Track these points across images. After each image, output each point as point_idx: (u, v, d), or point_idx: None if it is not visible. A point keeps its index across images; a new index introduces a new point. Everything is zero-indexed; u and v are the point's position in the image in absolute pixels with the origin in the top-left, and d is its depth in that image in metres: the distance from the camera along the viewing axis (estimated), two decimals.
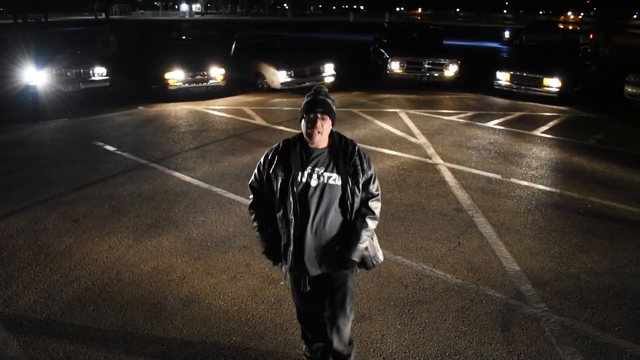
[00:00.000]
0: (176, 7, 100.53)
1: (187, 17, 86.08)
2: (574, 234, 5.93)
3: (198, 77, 13.69)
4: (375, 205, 3.09)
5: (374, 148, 9.11)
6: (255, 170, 3.13)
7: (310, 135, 2.92)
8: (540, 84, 13.70)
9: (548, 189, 7.38)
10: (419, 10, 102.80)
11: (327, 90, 3.07)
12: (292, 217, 2.92)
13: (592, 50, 18.81)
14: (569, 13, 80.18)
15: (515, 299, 4.62)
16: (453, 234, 5.82)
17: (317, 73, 14.93)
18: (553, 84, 13.49)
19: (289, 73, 14.17)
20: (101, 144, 9.30)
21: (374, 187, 3.08)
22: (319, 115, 2.90)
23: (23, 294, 4.62)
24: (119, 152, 8.78)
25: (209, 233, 5.82)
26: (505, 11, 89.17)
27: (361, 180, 2.98)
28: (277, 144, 3.06)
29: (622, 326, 4.26)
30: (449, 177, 7.69)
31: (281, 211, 2.95)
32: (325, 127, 2.93)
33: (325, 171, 2.93)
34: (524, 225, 6.15)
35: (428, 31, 18.91)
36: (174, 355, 3.85)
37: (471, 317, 4.32)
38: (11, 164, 8.22)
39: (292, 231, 2.94)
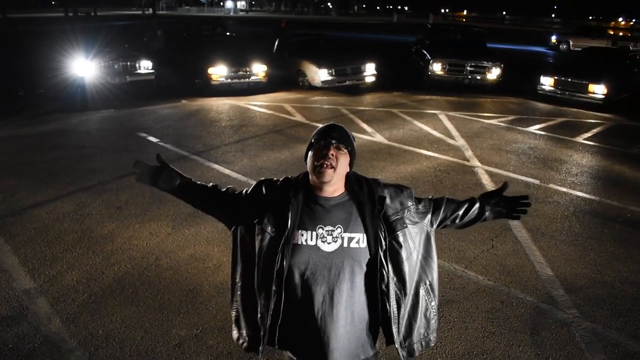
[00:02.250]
0: (221, 4, 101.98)
1: (231, 14, 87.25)
2: (610, 242, 5.84)
3: (240, 73, 13.93)
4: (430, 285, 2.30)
5: (411, 148, 9.12)
6: (243, 192, 2.31)
7: (320, 172, 2.02)
8: (585, 90, 13.41)
9: (587, 196, 7.26)
10: (464, 12, 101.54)
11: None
12: (276, 296, 2.07)
13: None
14: (620, 19, 77.81)
15: (547, 303, 4.59)
16: (487, 237, 5.81)
17: (358, 72, 14.98)
18: (598, 90, 13.19)
19: (330, 71, 14.27)
20: (144, 135, 9.60)
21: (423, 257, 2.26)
22: (333, 142, 2.07)
23: (67, 274, 4.85)
24: (161, 144, 9.04)
25: None
26: (553, 15, 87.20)
27: (401, 242, 2.13)
28: (274, 180, 2.23)
29: None
30: (486, 180, 7.65)
31: (261, 281, 2.13)
32: (340, 163, 2.06)
33: (345, 230, 2.06)
34: (559, 231, 6.08)
35: (471, 33, 18.71)
36: (208, 339, 3.99)
37: (501, 319, 4.33)
38: (59, 151, 8.57)
39: (273, 312, 2.10)
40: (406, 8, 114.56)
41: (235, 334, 2.32)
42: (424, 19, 61.33)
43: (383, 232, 2.08)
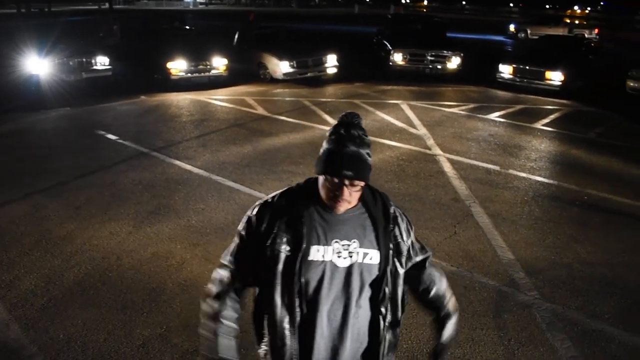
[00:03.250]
0: None
1: (191, 7, 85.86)
2: (569, 225, 5.99)
3: (200, 67, 13.73)
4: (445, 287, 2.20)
5: (374, 139, 9.16)
6: (239, 236, 2.03)
7: (333, 208, 1.87)
8: (543, 78, 13.70)
9: (546, 180, 7.43)
10: (425, 2, 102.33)
11: (361, 120, 2.02)
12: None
13: (596, 44, 18.80)
14: (576, 7, 79.73)
15: (508, 286, 4.69)
16: (449, 223, 5.89)
17: (320, 64, 14.95)
18: (555, 77, 13.49)
19: (292, 63, 14.19)
20: (103, 132, 9.38)
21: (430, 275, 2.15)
22: (347, 182, 1.81)
23: (24, 278, 4.71)
24: (120, 141, 8.85)
25: (208, 220, 5.90)
26: (511, 5, 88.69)
27: (404, 258, 2.01)
28: (271, 197, 1.99)
29: (612, 314, 4.33)
30: (447, 167, 7.75)
31: (283, 303, 1.92)
32: (354, 195, 1.86)
33: (361, 245, 1.91)
34: (520, 215, 6.21)
35: (432, 23, 18.87)
36: (173, 337, 3.94)
37: (464, 304, 4.40)
38: (14, 152, 8.30)
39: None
40: None
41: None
42: (385, 10, 61.61)
43: (392, 250, 1.95)
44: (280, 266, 1.88)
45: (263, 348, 2.10)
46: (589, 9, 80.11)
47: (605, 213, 6.38)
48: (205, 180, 7.11)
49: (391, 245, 1.95)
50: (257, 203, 1.99)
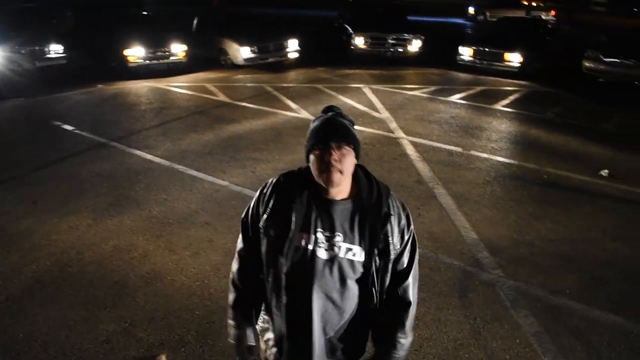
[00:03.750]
0: None
1: None
2: (530, 203, 6.12)
3: (159, 53, 13.40)
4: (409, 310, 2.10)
5: None
6: (248, 211, 2.13)
7: (327, 181, 1.87)
8: (502, 59, 13.87)
9: (507, 160, 7.56)
10: None
11: (341, 110, 2.05)
12: (285, 297, 1.98)
13: (553, 26, 19.13)
14: None
15: (473, 266, 4.76)
16: (413, 205, 5.93)
17: (281, 49, 14.79)
18: (514, 59, 13.68)
19: (253, 49, 13.99)
20: (59, 123, 9.07)
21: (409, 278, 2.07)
22: (333, 146, 1.87)
23: None
24: (77, 132, 8.59)
25: (171, 210, 5.80)
26: None
27: (391, 261, 1.99)
28: (275, 180, 2.05)
29: (573, 289, 4.45)
30: (410, 150, 7.80)
31: (270, 283, 2.02)
32: (346, 164, 1.89)
33: (344, 239, 1.92)
34: (482, 195, 6.31)
35: (392, 7, 18.83)
36: (138, 331, 3.86)
37: (430, 285, 4.45)
38: None
39: (285, 316, 2.01)
40: None
41: (262, 345, 2.21)
42: None
43: (380, 249, 1.93)
44: (268, 248, 1.97)
45: (260, 324, 2.21)
46: None
47: (565, 190, 6.54)
48: (166, 170, 6.97)
49: (380, 246, 1.92)
50: (266, 183, 2.06)
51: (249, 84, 12.64)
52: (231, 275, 2.21)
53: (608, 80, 13.33)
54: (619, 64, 12.88)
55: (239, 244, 2.19)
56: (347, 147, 1.89)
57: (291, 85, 12.63)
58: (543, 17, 24.27)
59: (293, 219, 1.89)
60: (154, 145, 7.91)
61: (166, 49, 13.49)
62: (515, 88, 12.66)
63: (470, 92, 12.12)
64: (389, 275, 1.99)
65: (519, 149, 8.12)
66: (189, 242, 5.12)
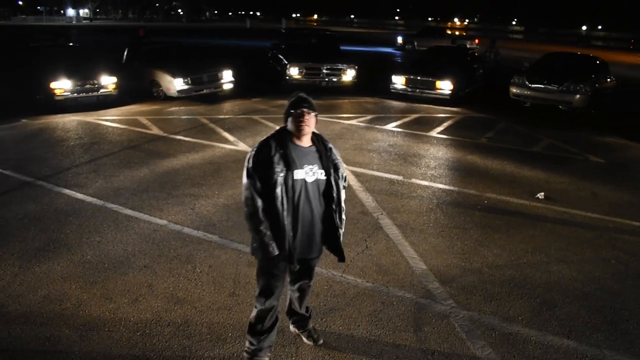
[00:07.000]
0: (62, 12, 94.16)
1: (74, 22, 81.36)
2: (474, 230, 6.16)
3: (87, 86, 12.84)
4: (344, 198, 3.55)
5: None
6: (248, 171, 3.23)
7: (300, 129, 3.20)
8: (434, 87, 14.28)
9: (447, 187, 7.64)
10: (315, 16, 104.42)
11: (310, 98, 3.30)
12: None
13: (479, 54, 19.91)
14: (455, 19, 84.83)
15: (425, 297, 4.68)
16: (360, 238, 5.83)
17: (216, 80, 14.58)
18: (445, 86, 14.11)
19: (186, 80, 13.70)
20: None
21: (344, 181, 3.55)
22: (305, 110, 3.18)
23: None
24: (0, 171, 8.00)
25: (106, 254, 5.40)
26: (397, 17, 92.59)
27: (340, 174, 3.43)
28: (266, 140, 3.27)
29: (525, 315, 4.45)
30: (352, 180, 7.74)
31: (284, 206, 3.19)
32: (311, 123, 3.23)
33: (317, 168, 3.28)
34: (427, 224, 6.30)
35: (325, 37, 19.10)
36: None
37: (384, 320, 4.32)
38: None
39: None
40: (258, 13, 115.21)
41: (270, 248, 3.26)
42: (277, 24, 62.07)
43: (332, 169, 3.37)
44: (280, 181, 3.16)
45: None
46: (467, 20, 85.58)
47: (506, 215, 6.65)
48: (99, 210, 6.55)
49: (331, 165, 3.37)
50: (253, 149, 3.27)
51: (183, 116, 12.32)
52: (252, 210, 3.22)
53: (534, 105, 13.98)
54: (543, 90, 13.54)
55: (254, 189, 3.20)
56: (312, 113, 3.24)
57: (227, 116, 12.41)
58: (468, 45, 25.26)
59: (290, 162, 3.17)
60: (84, 184, 7.44)
61: (95, 82, 12.95)
62: (448, 115, 13.00)
63: (406, 119, 12.33)
64: (340, 181, 3.46)
65: (458, 175, 8.24)
66: (127, 288, 4.75)
